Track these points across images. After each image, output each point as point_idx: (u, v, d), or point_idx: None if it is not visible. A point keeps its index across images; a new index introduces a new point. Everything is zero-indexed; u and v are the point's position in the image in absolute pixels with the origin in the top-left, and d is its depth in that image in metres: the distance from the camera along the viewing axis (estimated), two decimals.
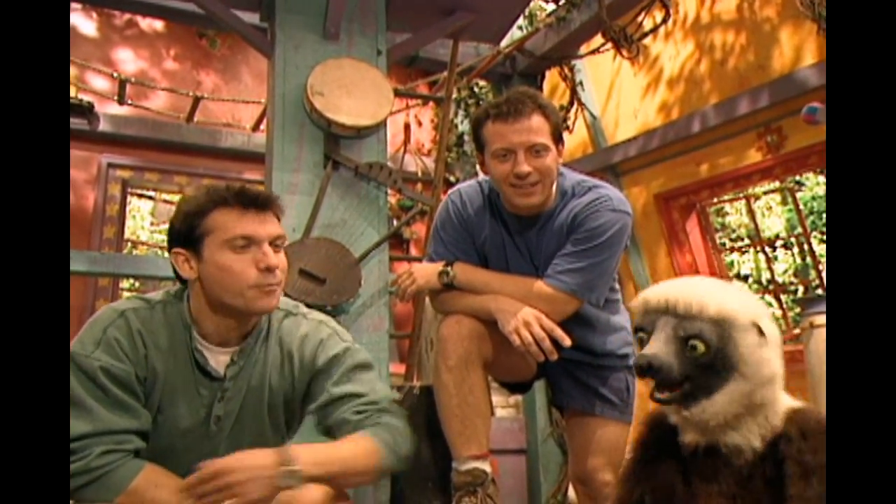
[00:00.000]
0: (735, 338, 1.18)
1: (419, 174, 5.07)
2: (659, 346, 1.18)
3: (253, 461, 1.24)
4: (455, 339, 1.77)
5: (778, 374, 1.22)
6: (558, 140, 1.81)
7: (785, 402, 1.25)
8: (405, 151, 5.18)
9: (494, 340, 1.80)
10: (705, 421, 1.20)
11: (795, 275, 7.50)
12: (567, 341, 1.73)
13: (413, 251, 5.34)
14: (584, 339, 1.87)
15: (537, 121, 1.75)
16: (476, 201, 1.92)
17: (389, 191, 2.70)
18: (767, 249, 6.56)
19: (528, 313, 1.73)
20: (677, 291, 1.22)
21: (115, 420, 1.29)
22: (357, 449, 1.38)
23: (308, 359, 1.49)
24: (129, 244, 6.72)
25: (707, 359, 1.18)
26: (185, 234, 1.38)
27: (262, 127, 4.66)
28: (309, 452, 1.31)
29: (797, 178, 6.87)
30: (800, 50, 3.82)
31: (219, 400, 1.43)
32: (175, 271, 1.42)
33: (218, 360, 1.43)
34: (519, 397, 3.98)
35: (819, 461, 1.12)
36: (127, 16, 4.98)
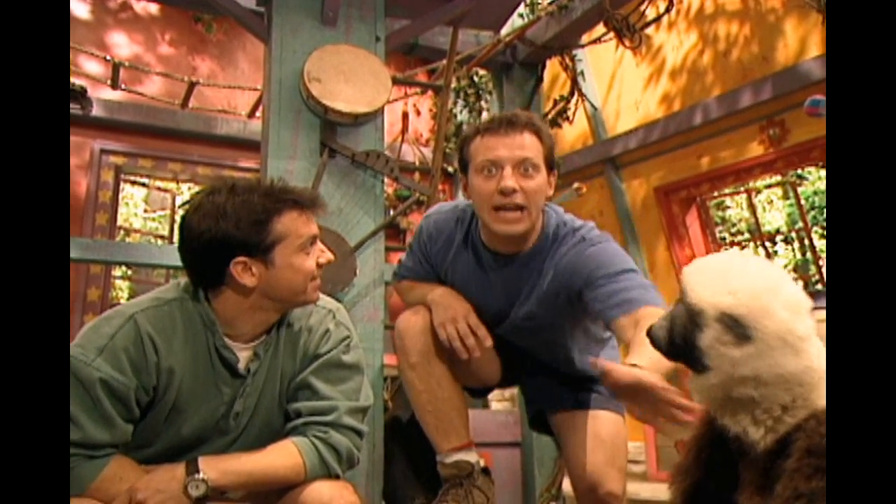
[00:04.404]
0: (700, 329, 1.14)
1: (417, 164, 5.02)
2: (662, 321, 1.22)
3: (159, 482, 1.26)
4: (413, 334, 1.74)
5: (766, 377, 1.11)
6: (550, 167, 1.68)
7: (816, 401, 1.13)
8: (403, 140, 5.13)
9: None
10: (693, 396, 1.21)
11: (795, 270, 7.49)
12: (489, 342, 1.69)
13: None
14: (565, 359, 1.84)
15: (529, 138, 1.65)
16: (448, 233, 1.84)
17: (386, 180, 2.66)
18: (768, 244, 6.54)
19: (458, 310, 1.69)
20: (691, 269, 1.21)
21: (96, 433, 1.27)
22: (277, 460, 1.35)
23: (312, 348, 1.46)
24: (122, 231, 6.67)
25: (679, 341, 1.18)
26: (254, 242, 1.34)
27: (258, 114, 4.60)
28: (218, 462, 1.31)
29: (799, 172, 6.85)
30: (804, 42, 3.77)
31: (240, 396, 1.41)
32: (206, 278, 1.37)
33: (242, 356, 1.41)
34: (514, 390, 3.95)
35: (811, 488, 1.05)
36: None
